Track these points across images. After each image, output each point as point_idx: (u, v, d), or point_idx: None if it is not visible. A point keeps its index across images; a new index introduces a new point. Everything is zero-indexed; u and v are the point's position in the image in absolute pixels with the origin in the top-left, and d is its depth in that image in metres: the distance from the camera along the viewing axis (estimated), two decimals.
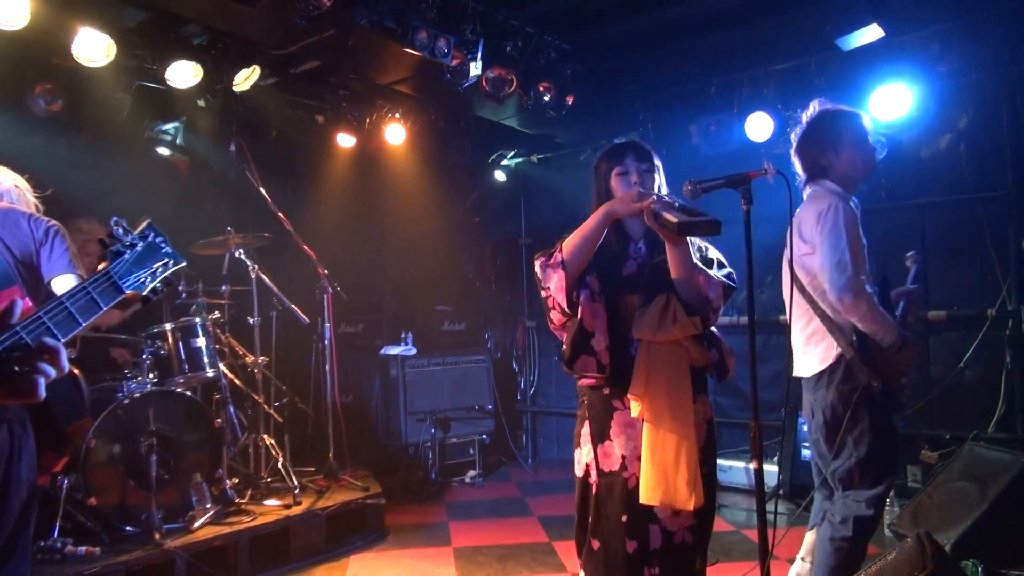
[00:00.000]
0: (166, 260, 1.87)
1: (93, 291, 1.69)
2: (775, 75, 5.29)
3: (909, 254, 3.35)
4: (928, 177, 5.19)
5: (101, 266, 1.74)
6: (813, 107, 3.03)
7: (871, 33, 4.37)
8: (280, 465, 4.70)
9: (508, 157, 7.28)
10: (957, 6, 4.43)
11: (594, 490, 2.33)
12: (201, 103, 5.28)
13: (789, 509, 4.93)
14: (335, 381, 5.17)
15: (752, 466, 2.13)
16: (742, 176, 2.14)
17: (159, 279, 1.85)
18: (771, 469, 5.15)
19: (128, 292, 1.78)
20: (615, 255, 2.39)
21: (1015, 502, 3.70)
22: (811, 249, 2.86)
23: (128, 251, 1.78)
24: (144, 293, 1.82)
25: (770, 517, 2.15)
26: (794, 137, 3.06)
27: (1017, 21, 4.52)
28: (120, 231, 1.80)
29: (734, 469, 5.52)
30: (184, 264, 1.95)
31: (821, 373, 2.90)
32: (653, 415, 2.24)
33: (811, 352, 2.94)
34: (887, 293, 3.06)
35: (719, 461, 4.06)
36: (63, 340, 1.62)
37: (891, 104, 4.78)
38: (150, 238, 1.85)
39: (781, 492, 5.04)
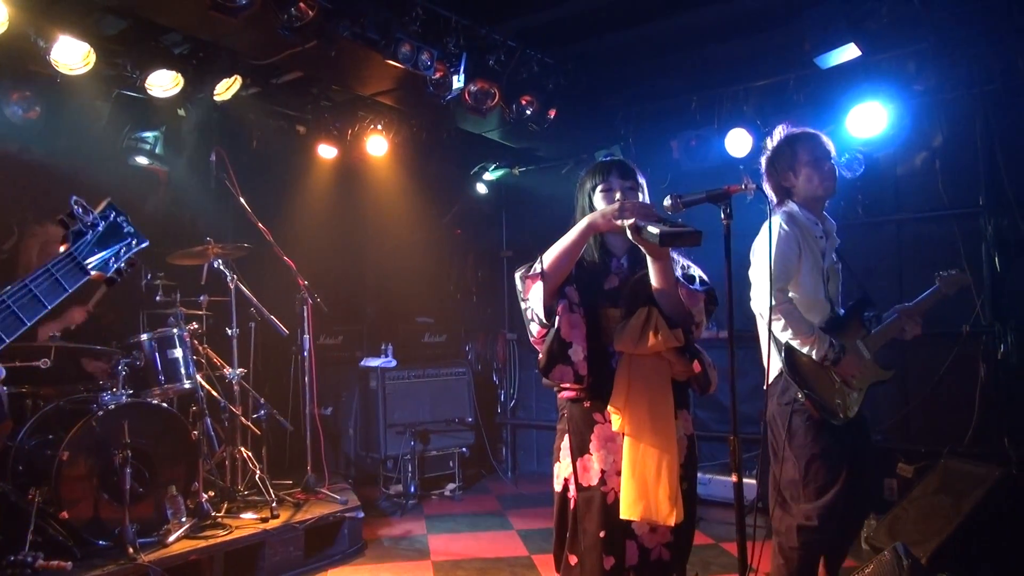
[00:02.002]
0: (129, 240, 1.81)
1: (56, 272, 1.62)
2: (755, 92, 5.35)
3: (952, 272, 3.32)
4: (904, 194, 5.26)
5: (63, 247, 1.67)
6: (778, 133, 3.11)
7: (848, 52, 4.44)
8: (257, 478, 4.65)
9: (490, 169, 7.28)
10: (932, 27, 4.51)
11: (572, 505, 2.32)
12: (181, 112, 5.24)
13: (768, 522, 4.93)
14: (314, 393, 5.12)
15: (731, 479, 2.14)
16: (723, 191, 2.17)
17: (123, 260, 1.79)
18: (750, 482, 5.16)
19: (93, 273, 1.71)
20: (597, 270, 2.39)
21: (990, 515, 3.75)
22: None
23: (90, 231, 1.72)
24: (109, 275, 1.76)
25: (749, 530, 2.15)
26: (763, 163, 3.14)
27: (990, 42, 4.61)
28: (80, 210, 1.73)
29: (713, 482, 5.52)
30: (147, 244, 1.89)
31: (769, 386, 3.02)
32: (634, 428, 2.23)
33: (768, 366, 3.03)
34: (862, 309, 3.15)
35: (698, 474, 4.06)
36: (29, 323, 1.57)
37: (868, 122, 4.85)
38: (112, 217, 1.78)
39: (760, 505, 5.05)
